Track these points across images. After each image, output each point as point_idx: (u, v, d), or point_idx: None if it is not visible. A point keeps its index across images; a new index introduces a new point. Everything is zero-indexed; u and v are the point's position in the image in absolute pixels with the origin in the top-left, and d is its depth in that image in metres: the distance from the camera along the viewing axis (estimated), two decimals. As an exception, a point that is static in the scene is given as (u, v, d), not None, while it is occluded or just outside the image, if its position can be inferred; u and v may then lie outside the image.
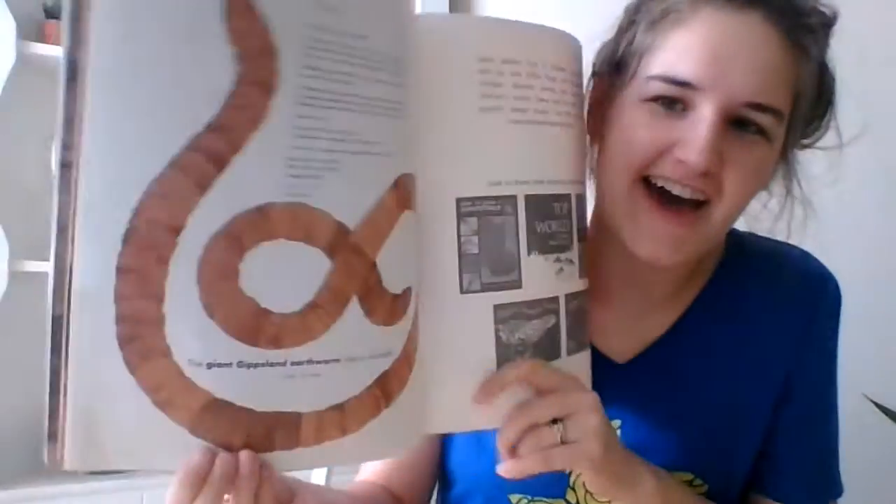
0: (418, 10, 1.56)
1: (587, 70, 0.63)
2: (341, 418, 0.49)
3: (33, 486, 1.34)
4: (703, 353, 0.67)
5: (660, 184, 0.59)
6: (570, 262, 0.59)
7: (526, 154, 0.56)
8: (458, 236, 0.55)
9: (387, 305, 0.50)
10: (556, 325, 0.58)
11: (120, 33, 0.40)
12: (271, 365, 0.46)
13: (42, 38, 1.41)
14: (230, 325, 0.44)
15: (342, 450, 0.49)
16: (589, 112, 0.64)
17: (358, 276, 0.48)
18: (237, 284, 0.44)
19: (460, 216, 0.55)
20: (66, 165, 0.41)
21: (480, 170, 0.55)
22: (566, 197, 0.59)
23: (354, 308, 0.48)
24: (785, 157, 0.63)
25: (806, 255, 0.70)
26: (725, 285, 0.69)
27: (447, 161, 0.54)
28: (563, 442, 0.54)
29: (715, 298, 0.68)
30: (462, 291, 0.55)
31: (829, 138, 0.65)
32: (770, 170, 0.62)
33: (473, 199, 0.55)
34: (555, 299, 0.58)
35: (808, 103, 0.60)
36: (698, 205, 0.59)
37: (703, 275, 0.69)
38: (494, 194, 0.55)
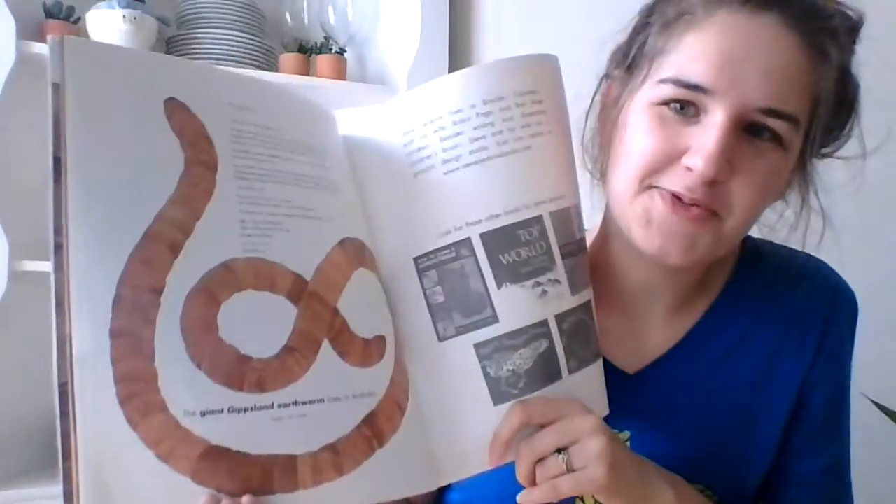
0: (418, 16, 1.57)
1: (590, 73, 0.63)
2: (335, 459, 0.52)
3: (33, 486, 1.33)
4: (715, 365, 0.66)
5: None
6: (556, 281, 0.59)
7: (470, 195, 0.58)
8: (423, 290, 0.59)
9: (359, 348, 0.55)
10: (551, 348, 0.59)
11: (91, 137, 0.47)
12: (259, 409, 0.50)
13: (42, 38, 1.41)
14: (216, 373, 0.49)
15: (342, 491, 0.52)
16: (599, 115, 0.64)
17: (323, 320, 0.54)
18: (217, 334, 0.49)
19: (420, 272, 0.59)
20: (58, 247, 0.46)
21: (426, 226, 0.59)
22: (535, 220, 0.59)
23: (327, 350, 0.53)
24: (802, 166, 0.62)
25: (823, 266, 0.69)
26: (739, 295, 0.68)
27: (397, 228, 0.59)
28: (569, 469, 0.54)
29: (728, 308, 0.67)
30: (440, 339, 0.59)
31: (850, 147, 0.63)
32: (784, 178, 0.60)
33: (427, 254, 0.59)
34: (542, 323, 0.59)
35: (828, 110, 0.58)
36: (709, 213, 0.57)
37: (716, 284, 0.68)
38: (446, 243, 0.58)
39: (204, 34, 1.55)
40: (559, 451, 0.55)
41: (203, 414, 0.48)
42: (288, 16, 1.70)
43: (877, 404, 1.11)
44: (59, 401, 0.47)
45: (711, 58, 0.55)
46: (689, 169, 0.56)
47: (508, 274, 0.58)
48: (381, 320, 0.58)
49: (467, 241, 0.58)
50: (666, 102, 0.57)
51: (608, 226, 0.66)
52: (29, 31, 1.40)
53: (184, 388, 0.48)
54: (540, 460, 0.55)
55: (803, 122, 0.57)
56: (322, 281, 0.54)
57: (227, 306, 0.50)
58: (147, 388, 0.47)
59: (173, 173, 0.49)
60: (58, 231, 0.47)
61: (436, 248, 0.58)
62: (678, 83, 0.56)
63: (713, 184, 0.56)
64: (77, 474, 0.47)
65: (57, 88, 0.47)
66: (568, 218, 0.61)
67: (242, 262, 0.51)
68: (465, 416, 0.58)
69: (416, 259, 0.59)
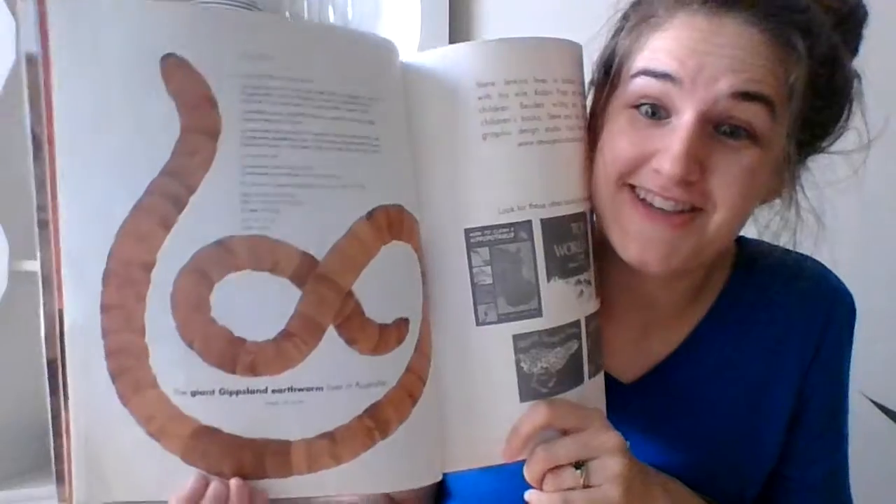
0: (418, 15, 1.56)
1: (590, 73, 0.62)
2: (332, 447, 0.50)
3: (33, 486, 1.33)
4: (712, 372, 0.66)
5: (642, 195, 0.57)
6: (588, 282, 0.58)
7: (540, 176, 0.55)
8: (470, 267, 0.54)
9: (372, 335, 0.51)
10: (579, 350, 0.57)
11: (77, 104, 0.45)
12: (252, 392, 0.48)
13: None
14: (208, 354, 0.47)
15: (338, 479, 0.51)
16: (588, 124, 0.62)
17: (330, 305, 0.50)
18: (210, 315, 0.47)
19: (470, 247, 0.54)
20: (43, 224, 0.45)
21: (489, 198, 0.54)
22: (582, 216, 0.58)
23: (332, 336, 0.50)
24: (788, 163, 0.59)
25: (821, 268, 0.68)
26: (736, 301, 0.67)
27: (452, 193, 0.54)
28: (584, 485, 0.53)
29: (725, 315, 0.67)
30: (478, 324, 0.55)
31: (849, 141, 0.62)
32: (766, 176, 0.58)
33: (483, 229, 0.54)
34: (576, 323, 0.57)
35: (804, 104, 0.56)
36: (691, 211, 0.56)
37: (712, 290, 0.67)
38: (507, 221, 0.54)
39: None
40: (577, 464, 0.54)
41: (194, 394, 0.47)
42: (288, 15, 1.70)
43: (877, 404, 1.11)
44: (48, 378, 0.46)
45: (674, 51, 0.55)
46: (657, 171, 0.55)
47: (558, 267, 0.55)
48: (409, 300, 0.53)
49: (527, 224, 0.54)
50: (638, 104, 0.56)
51: (598, 236, 0.64)
52: (29, 30, 1.40)
53: (174, 366, 0.47)
54: (554, 468, 0.54)
55: (780, 111, 0.55)
56: (337, 260, 0.49)
57: (221, 286, 0.47)
58: (138, 364, 0.46)
59: (168, 141, 0.46)
60: (42, 208, 0.45)
61: (494, 223, 0.54)
62: (646, 73, 0.56)
63: (687, 183, 0.54)
64: (69, 452, 0.46)
65: (31, 60, 0.44)
66: (591, 220, 0.60)
67: (241, 240, 0.47)
68: (487, 408, 0.56)
69: (467, 231, 0.54)
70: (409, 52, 1.82)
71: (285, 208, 0.48)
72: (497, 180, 0.54)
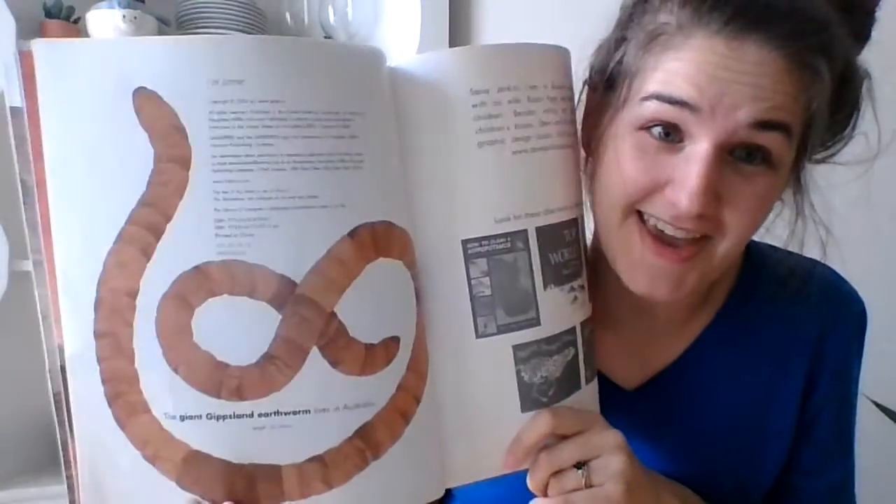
0: (418, 15, 1.56)
1: (579, 77, 0.60)
2: (323, 471, 0.50)
3: (33, 486, 1.33)
4: (716, 379, 0.65)
5: (652, 222, 0.55)
6: (582, 287, 0.58)
7: (533, 184, 0.54)
8: (468, 279, 0.53)
9: (358, 355, 0.50)
10: (575, 357, 0.57)
11: (65, 146, 0.47)
12: (238, 417, 0.48)
13: (42, 37, 1.41)
14: (193, 379, 0.48)
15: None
16: (582, 124, 0.60)
17: (312, 327, 0.49)
18: (192, 340, 0.48)
19: (468, 258, 0.53)
20: (38, 264, 0.48)
21: (485, 208, 0.53)
22: (574, 221, 0.57)
23: (316, 358, 0.49)
24: (796, 176, 0.58)
25: (830, 274, 0.66)
26: (742, 307, 0.65)
27: (448, 203, 0.53)
28: (587, 485, 0.53)
29: (730, 321, 0.65)
30: (478, 336, 0.54)
31: (857, 146, 0.60)
32: (776, 197, 0.57)
33: (480, 240, 0.53)
34: (572, 330, 0.57)
35: (824, 123, 0.54)
36: (701, 239, 0.55)
37: (718, 295, 0.66)
38: (503, 231, 0.53)
39: (204, 34, 1.55)
40: (578, 465, 0.53)
41: (182, 418, 0.48)
42: (288, 16, 1.70)
43: (877, 404, 1.11)
44: (55, 411, 0.48)
45: (693, 76, 0.51)
46: (672, 203, 0.53)
47: (554, 274, 0.55)
48: (398, 319, 0.52)
49: (523, 234, 0.53)
50: (649, 126, 0.53)
51: (597, 245, 0.63)
52: (29, 31, 1.40)
53: (163, 391, 0.48)
54: (556, 472, 0.54)
55: (796, 134, 0.53)
56: (317, 282, 0.49)
57: (201, 311, 0.48)
58: (130, 389, 0.48)
59: (144, 172, 0.47)
60: (35, 249, 0.48)
61: (491, 234, 0.53)
62: (662, 98, 0.52)
63: (700, 216, 0.52)
64: (78, 481, 0.48)
65: (16, 113, 0.47)
66: (584, 225, 0.60)
67: (217, 265, 0.48)
68: (489, 420, 0.55)
69: (465, 242, 0.53)
70: (408, 53, 1.82)
71: (260, 232, 0.48)
72: (493, 189, 0.53)
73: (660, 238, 0.55)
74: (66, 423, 0.48)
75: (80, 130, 0.47)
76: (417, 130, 0.52)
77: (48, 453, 1.42)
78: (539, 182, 0.54)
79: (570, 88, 0.58)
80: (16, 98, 0.47)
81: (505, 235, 0.53)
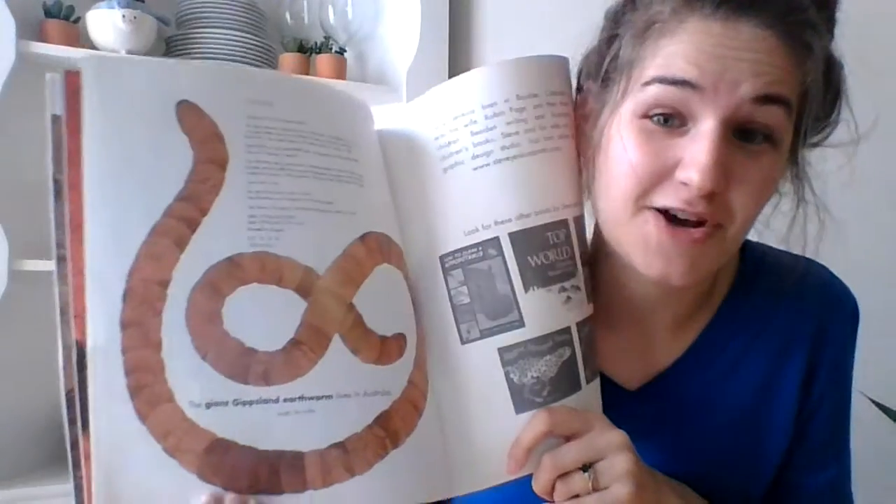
0: (418, 15, 1.57)
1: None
2: (345, 458, 0.51)
3: (34, 485, 1.33)
4: (717, 379, 0.65)
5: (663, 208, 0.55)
6: (577, 288, 0.58)
7: (502, 193, 0.56)
8: (448, 290, 0.57)
9: (375, 345, 0.54)
10: (573, 356, 0.57)
11: (106, 151, 0.50)
12: (265, 402, 0.50)
13: (42, 37, 1.41)
14: (221, 365, 0.49)
15: (354, 493, 0.51)
16: (577, 129, 0.60)
17: (335, 315, 0.53)
18: (222, 327, 0.50)
19: (445, 271, 0.57)
20: (61, 259, 0.49)
21: (454, 223, 0.57)
22: (562, 223, 0.57)
23: (339, 345, 0.52)
24: (794, 161, 0.59)
25: (826, 273, 0.67)
26: (741, 306, 0.66)
27: (424, 225, 0.58)
28: (594, 488, 0.53)
29: (730, 320, 0.66)
30: (463, 342, 0.57)
31: (840, 133, 0.60)
32: (779, 177, 0.58)
33: (453, 253, 0.57)
34: (566, 330, 0.57)
35: (818, 101, 0.55)
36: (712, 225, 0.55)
37: (717, 295, 0.66)
38: (473, 242, 0.56)
39: (204, 34, 1.55)
40: (584, 467, 0.53)
41: (209, 405, 0.49)
42: (288, 15, 1.71)
43: (877, 404, 1.11)
44: (66, 408, 0.48)
45: (692, 56, 0.52)
46: (684, 183, 0.53)
47: (536, 277, 0.56)
48: (403, 319, 0.57)
49: (495, 241, 0.56)
50: (650, 114, 0.54)
51: (601, 244, 0.63)
52: (29, 30, 1.40)
53: (190, 378, 0.49)
54: (562, 475, 0.54)
55: (794, 111, 0.54)
56: (337, 275, 0.53)
57: (232, 299, 0.50)
58: (155, 379, 0.48)
59: (183, 171, 0.50)
60: (60, 244, 0.49)
61: (462, 246, 0.57)
62: (664, 81, 0.53)
63: (712, 196, 0.53)
64: (88, 480, 0.48)
65: (56, 120, 0.49)
66: (583, 225, 0.60)
67: (249, 256, 0.51)
68: (485, 424, 0.56)
69: (441, 257, 0.57)
70: (408, 52, 1.81)
71: (288, 227, 0.52)
72: (459, 205, 0.57)
73: (672, 221, 0.55)
74: (78, 421, 0.48)
75: (124, 136, 0.50)
76: (398, 165, 0.59)
77: (48, 453, 1.42)
78: (507, 190, 0.56)
79: (552, 94, 0.58)
80: (57, 108, 0.49)
81: (475, 245, 0.56)
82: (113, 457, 0.48)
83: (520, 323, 0.56)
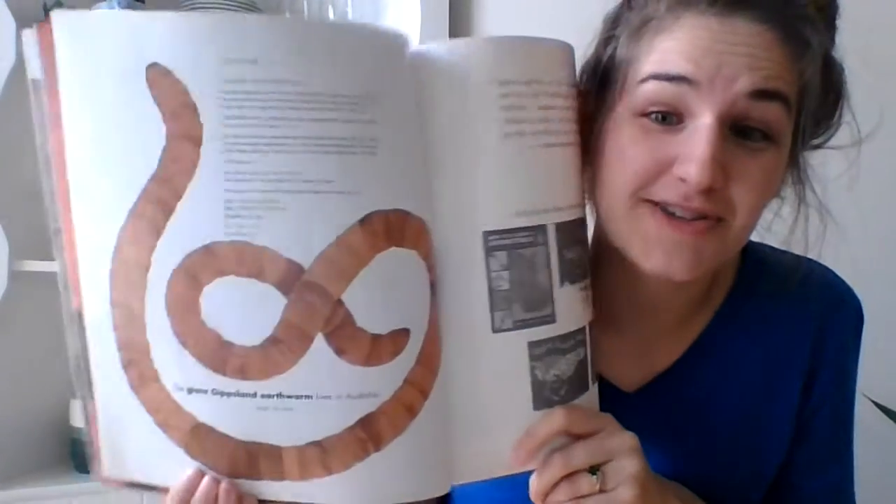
0: (418, 15, 1.56)
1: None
2: (322, 456, 0.50)
3: (33, 486, 1.33)
4: (716, 380, 0.64)
5: (661, 205, 0.55)
6: (589, 288, 0.57)
7: (553, 179, 0.53)
8: (488, 272, 0.52)
9: (364, 345, 0.49)
10: (586, 357, 0.56)
11: (83, 120, 0.48)
12: (242, 395, 0.49)
13: (42, 37, 1.41)
14: (200, 355, 0.48)
15: (329, 489, 0.51)
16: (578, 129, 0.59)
17: (318, 314, 0.48)
18: (200, 317, 0.48)
19: (488, 251, 0.51)
20: (57, 231, 0.49)
21: (507, 200, 0.51)
22: (583, 221, 0.57)
23: (321, 345, 0.48)
24: (795, 162, 0.59)
25: (828, 274, 0.66)
26: (741, 307, 0.65)
27: (470, 193, 0.51)
28: (600, 489, 0.52)
29: (729, 322, 0.65)
30: (494, 330, 0.52)
31: (843, 136, 0.60)
32: (780, 176, 0.58)
33: (502, 233, 0.51)
34: (583, 329, 0.56)
35: (816, 99, 0.55)
36: (714, 219, 0.55)
37: (717, 296, 0.66)
38: (524, 225, 0.52)
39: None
40: (591, 469, 0.52)
41: (189, 391, 0.49)
42: (288, 15, 1.70)
43: (877, 404, 1.11)
44: (74, 371, 0.51)
45: (688, 52, 0.52)
46: (681, 179, 0.53)
47: (569, 271, 0.54)
48: (409, 311, 0.51)
49: (543, 228, 0.52)
50: (647, 112, 0.54)
51: (601, 243, 0.62)
52: (29, 30, 1.40)
53: (172, 363, 0.49)
54: (568, 475, 0.53)
55: (793, 109, 0.54)
56: (325, 268, 0.48)
57: (210, 290, 0.48)
58: (142, 358, 0.49)
59: (156, 148, 0.46)
60: (55, 217, 0.50)
61: (513, 226, 0.52)
62: (659, 77, 0.53)
63: (710, 191, 0.52)
64: (97, 436, 0.52)
65: (36, 84, 0.48)
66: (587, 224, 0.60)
67: (226, 245, 0.47)
68: (500, 417, 0.54)
69: (486, 234, 0.51)
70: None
71: (269, 215, 0.47)
72: (515, 181, 0.52)
73: (672, 215, 0.54)
74: (86, 384, 0.51)
75: (98, 102, 0.47)
76: (440, 118, 0.50)
77: (48, 453, 1.42)
78: (557, 178, 0.54)
79: (576, 86, 0.58)
80: (36, 71, 0.47)
81: (527, 229, 0.52)
82: (114, 422, 0.51)
83: (552, 318, 0.53)
